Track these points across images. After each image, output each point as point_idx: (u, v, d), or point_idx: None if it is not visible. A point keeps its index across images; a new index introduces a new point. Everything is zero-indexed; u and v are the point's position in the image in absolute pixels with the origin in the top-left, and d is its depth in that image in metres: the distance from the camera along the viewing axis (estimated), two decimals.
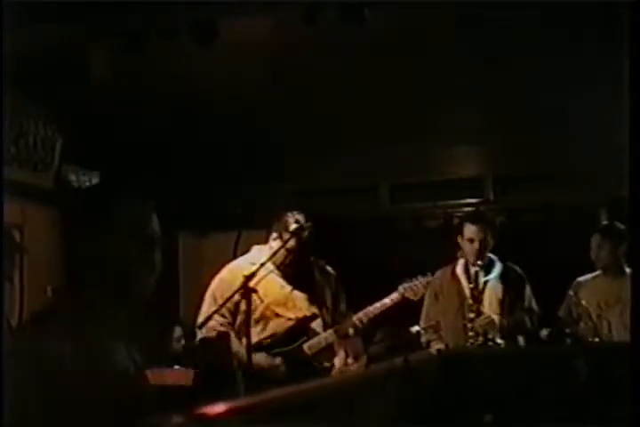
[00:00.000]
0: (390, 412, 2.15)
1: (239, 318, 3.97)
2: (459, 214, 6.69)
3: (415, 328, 4.42)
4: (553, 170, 6.85)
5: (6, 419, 1.53)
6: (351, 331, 4.01)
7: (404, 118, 6.30)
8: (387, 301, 4.07)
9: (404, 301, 4.12)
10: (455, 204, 7.21)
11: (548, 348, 3.85)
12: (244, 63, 5.31)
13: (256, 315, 3.96)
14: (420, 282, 4.13)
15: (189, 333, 6.25)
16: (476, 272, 4.38)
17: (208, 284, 4.15)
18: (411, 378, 2.27)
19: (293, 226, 3.98)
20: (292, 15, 4.56)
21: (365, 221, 7.46)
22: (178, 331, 6.35)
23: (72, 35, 4.87)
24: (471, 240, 4.41)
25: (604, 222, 4.78)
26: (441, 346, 4.30)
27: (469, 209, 6.97)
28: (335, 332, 4.02)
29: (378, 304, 4.05)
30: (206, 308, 4.03)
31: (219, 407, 1.33)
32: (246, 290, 3.67)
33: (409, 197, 7.37)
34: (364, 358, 4.14)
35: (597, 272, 4.70)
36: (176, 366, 5.23)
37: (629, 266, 4.42)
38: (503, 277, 4.45)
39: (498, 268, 4.46)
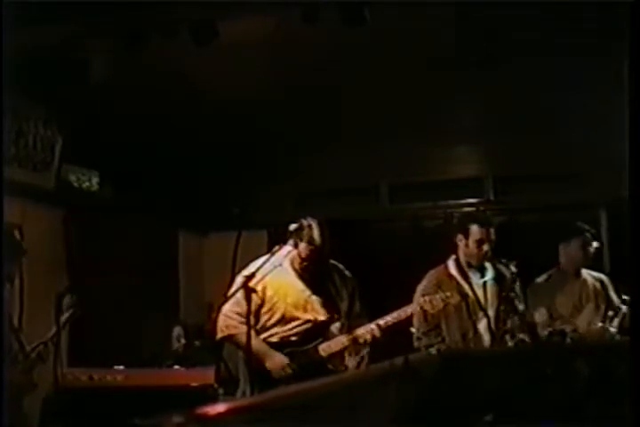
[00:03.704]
0: (391, 412, 2.15)
1: (262, 319, 4.10)
2: (458, 214, 6.69)
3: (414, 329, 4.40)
4: (553, 170, 6.85)
5: (6, 419, 1.53)
6: (368, 337, 4.04)
7: (404, 118, 6.30)
8: (405, 311, 4.10)
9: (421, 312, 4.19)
10: (455, 204, 7.21)
11: (548, 348, 3.85)
12: (244, 63, 5.31)
13: (277, 316, 4.10)
14: (439, 296, 4.15)
15: (196, 331, 6.28)
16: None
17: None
18: (411, 378, 2.27)
19: (293, 226, 4.01)
20: (292, 15, 4.56)
21: (365, 221, 7.47)
22: (177, 330, 6.35)
23: (72, 35, 4.87)
24: (480, 242, 4.38)
25: (582, 225, 4.86)
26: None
27: (469, 209, 6.98)
28: (352, 337, 4.05)
29: (396, 314, 4.09)
30: None
31: (219, 407, 1.33)
32: (246, 290, 3.70)
33: (409, 197, 7.37)
34: (364, 359, 4.15)
35: (550, 273, 4.78)
36: (175, 366, 5.23)
37: (629, 267, 4.42)
38: (498, 277, 4.44)
39: (490, 268, 4.44)
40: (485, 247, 4.36)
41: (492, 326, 4.27)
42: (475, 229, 4.39)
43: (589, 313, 4.62)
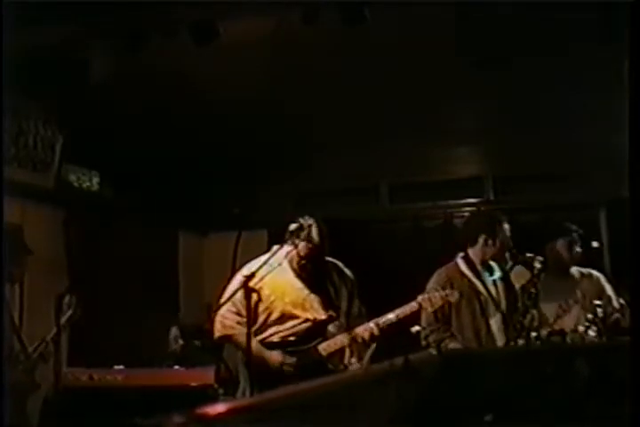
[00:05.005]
0: (390, 412, 2.15)
1: (259, 319, 4.07)
2: (470, 213, 6.67)
3: (416, 328, 4.39)
4: (553, 170, 6.85)
5: (6, 419, 1.53)
6: (367, 336, 4.05)
7: (404, 119, 6.30)
8: (404, 309, 4.10)
9: (420, 310, 4.18)
10: (455, 204, 7.21)
11: (548, 348, 3.85)
12: (244, 63, 5.31)
13: (275, 315, 4.09)
14: (438, 294, 4.15)
15: (196, 331, 6.28)
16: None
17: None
18: (411, 378, 2.27)
19: (293, 226, 4.01)
20: (292, 15, 4.56)
21: (365, 221, 7.47)
22: (174, 331, 6.35)
23: (72, 35, 4.87)
24: (505, 239, 4.41)
25: (569, 225, 4.84)
26: (455, 345, 4.27)
27: (470, 209, 6.98)
28: (351, 336, 4.06)
29: (395, 312, 4.09)
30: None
31: (219, 407, 1.33)
32: (247, 290, 3.70)
33: (409, 197, 7.38)
34: (365, 359, 4.15)
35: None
36: (175, 366, 5.24)
37: (629, 267, 4.40)
38: (505, 276, 4.44)
39: (497, 268, 4.44)
40: (510, 244, 4.39)
41: (508, 323, 4.26)
42: (504, 227, 4.43)
43: (575, 315, 4.57)
